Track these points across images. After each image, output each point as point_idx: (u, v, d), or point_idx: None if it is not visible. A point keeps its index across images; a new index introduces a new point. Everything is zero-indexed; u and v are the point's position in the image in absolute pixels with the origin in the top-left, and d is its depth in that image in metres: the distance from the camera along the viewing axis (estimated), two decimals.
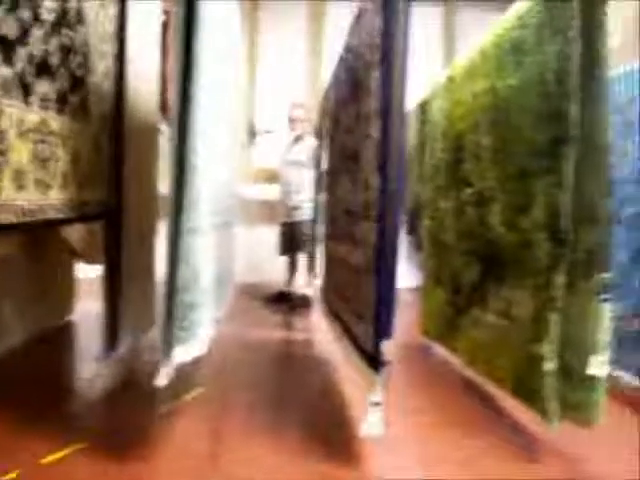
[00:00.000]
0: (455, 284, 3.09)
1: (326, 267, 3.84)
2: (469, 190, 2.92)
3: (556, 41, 2.09)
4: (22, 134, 2.10)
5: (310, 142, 5.09)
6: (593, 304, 2.02)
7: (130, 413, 2.44)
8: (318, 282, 4.34)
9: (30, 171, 2.18)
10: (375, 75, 2.17)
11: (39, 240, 3.50)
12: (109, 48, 2.85)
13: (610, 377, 2.05)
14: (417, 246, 4.62)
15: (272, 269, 5.56)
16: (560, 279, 2.06)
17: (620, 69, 2.84)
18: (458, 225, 3.09)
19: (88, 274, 3.91)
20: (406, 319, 3.82)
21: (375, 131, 2.15)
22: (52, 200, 2.38)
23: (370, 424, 1.92)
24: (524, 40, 2.35)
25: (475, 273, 2.81)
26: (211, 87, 2.30)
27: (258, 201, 6.20)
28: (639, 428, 2.33)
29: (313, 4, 6.76)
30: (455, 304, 3.09)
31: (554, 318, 2.07)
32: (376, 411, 1.93)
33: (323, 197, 4.21)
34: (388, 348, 1.98)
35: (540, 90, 2.20)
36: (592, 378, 2.01)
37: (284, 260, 5.33)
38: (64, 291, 4.02)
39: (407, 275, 4.33)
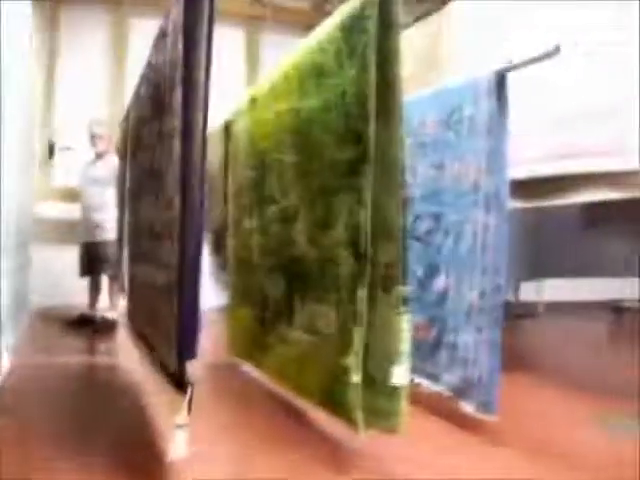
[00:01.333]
0: (261, 302, 3.11)
1: (131, 288, 3.71)
2: (274, 207, 2.96)
3: (353, 66, 2.19)
4: None
5: (112, 160, 4.94)
6: (393, 316, 2.10)
7: None
8: (123, 304, 4.22)
9: None
10: (176, 94, 2.15)
11: None
12: None
13: (411, 385, 2.16)
14: (222, 266, 4.67)
15: (73, 291, 5.28)
16: (362, 293, 2.13)
17: (412, 95, 3.01)
18: (263, 243, 3.12)
19: None
20: (214, 339, 3.83)
21: (176, 150, 2.12)
22: None
23: (176, 446, 1.89)
24: (324, 64, 2.44)
25: (281, 290, 2.85)
26: None
27: (57, 220, 5.87)
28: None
29: (116, 19, 6.59)
30: (262, 322, 3.10)
31: (358, 331, 2.13)
32: (181, 432, 1.89)
33: (127, 216, 4.11)
34: (192, 368, 1.96)
35: (340, 112, 2.30)
36: (394, 387, 2.09)
37: (86, 282, 5.10)
38: None
39: (213, 295, 4.37)
